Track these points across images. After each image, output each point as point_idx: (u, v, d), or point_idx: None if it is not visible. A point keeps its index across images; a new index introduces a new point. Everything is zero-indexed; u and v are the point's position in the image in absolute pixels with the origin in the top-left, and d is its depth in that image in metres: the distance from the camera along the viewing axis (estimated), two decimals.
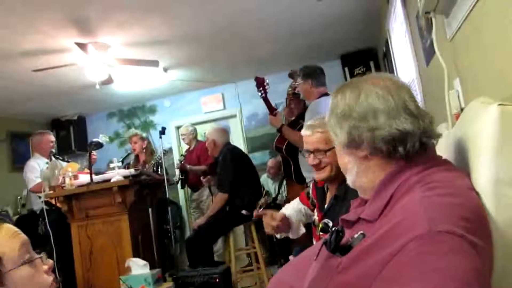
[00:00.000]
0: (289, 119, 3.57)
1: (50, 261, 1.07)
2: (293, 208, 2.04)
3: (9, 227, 1.02)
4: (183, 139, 4.91)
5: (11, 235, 1.00)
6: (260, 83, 3.10)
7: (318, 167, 1.63)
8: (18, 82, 4.16)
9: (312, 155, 1.63)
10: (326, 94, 2.90)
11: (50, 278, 1.04)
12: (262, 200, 3.72)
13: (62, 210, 3.27)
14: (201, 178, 4.39)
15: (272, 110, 3.08)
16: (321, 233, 1.67)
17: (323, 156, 1.60)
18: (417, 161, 0.85)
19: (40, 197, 3.52)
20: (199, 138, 4.97)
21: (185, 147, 5.11)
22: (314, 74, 2.95)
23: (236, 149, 3.84)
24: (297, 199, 2.09)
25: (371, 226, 0.82)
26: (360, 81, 0.95)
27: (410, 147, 0.85)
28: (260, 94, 3.11)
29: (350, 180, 0.97)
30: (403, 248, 0.67)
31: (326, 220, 1.65)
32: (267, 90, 3.11)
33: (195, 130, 4.89)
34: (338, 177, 1.61)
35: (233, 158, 3.53)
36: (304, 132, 1.70)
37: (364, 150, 0.89)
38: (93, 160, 3.63)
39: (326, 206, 1.72)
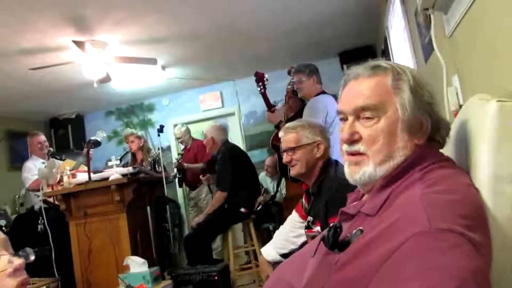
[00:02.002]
0: (288, 115, 3.57)
1: (18, 262, 0.93)
2: (284, 233, 2.10)
3: None
4: (181, 142, 4.88)
5: None
6: (260, 79, 3.10)
7: (290, 164, 1.78)
8: (15, 80, 4.15)
9: (285, 153, 1.79)
10: (324, 92, 2.94)
11: (11, 282, 0.90)
12: (260, 198, 3.72)
13: (60, 209, 3.26)
14: (201, 176, 4.39)
15: (270, 106, 3.08)
16: (305, 230, 1.79)
17: (293, 153, 1.75)
18: (425, 158, 0.85)
19: (38, 196, 3.52)
20: (198, 136, 4.96)
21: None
22: (317, 72, 3.02)
23: (234, 147, 3.84)
24: (293, 212, 2.12)
25: (370, 221, 0.81)
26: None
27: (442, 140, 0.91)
28: (259, 89, 3.12)
29: (381, 167, 0.85)
30: (402, 245, 0.67)
31: (309, 218, 1.78)
32: (266, 86, 3.11)
33: (188, 128, 4.87)
34: (310, 174, 1.77)
35: (231, 156, 3.54)
36: (280, 134, 1.88)
37: (422, 138, 0.87)
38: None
39: (307, 205, 1.86)
